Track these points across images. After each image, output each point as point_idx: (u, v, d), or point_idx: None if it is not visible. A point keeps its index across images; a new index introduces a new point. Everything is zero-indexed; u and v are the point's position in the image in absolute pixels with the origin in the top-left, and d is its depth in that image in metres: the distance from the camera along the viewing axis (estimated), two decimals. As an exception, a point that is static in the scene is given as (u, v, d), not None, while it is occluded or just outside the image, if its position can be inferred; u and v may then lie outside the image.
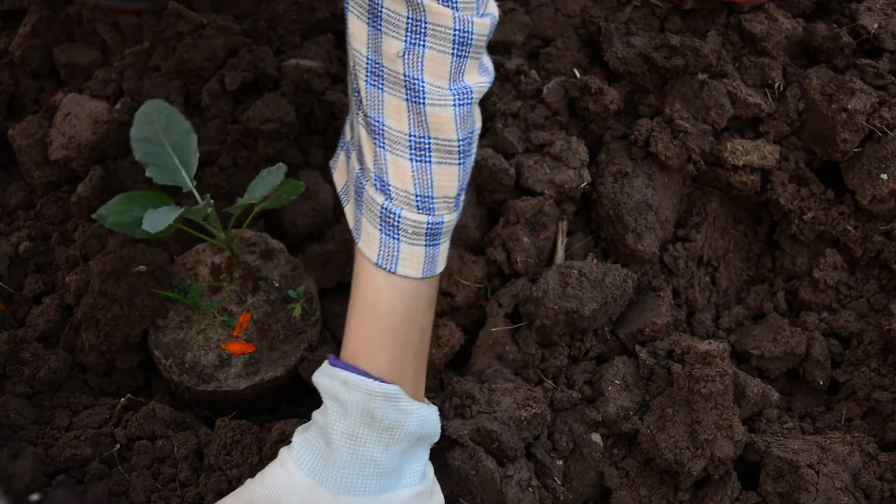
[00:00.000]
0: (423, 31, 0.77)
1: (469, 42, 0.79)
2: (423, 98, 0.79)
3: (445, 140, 0.81)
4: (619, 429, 1.02)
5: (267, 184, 0.98)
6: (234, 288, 1.10)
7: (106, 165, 1.20)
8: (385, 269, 0.83)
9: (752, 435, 1.02)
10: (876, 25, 1.31)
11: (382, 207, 0.82)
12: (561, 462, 1.01)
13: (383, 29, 0.78)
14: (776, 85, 1.27)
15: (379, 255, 0.83)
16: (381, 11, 0.78)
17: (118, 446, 0.97)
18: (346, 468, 0.80)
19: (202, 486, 0.94)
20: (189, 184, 1.04)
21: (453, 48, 0.78)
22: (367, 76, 0.81)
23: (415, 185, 0.81)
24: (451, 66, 0.79)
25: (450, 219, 0.85)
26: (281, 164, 0.99)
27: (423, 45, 0.78)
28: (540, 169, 1.19)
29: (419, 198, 0.82)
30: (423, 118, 0.80)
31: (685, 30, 1.32)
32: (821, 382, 1.14)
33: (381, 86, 0.80)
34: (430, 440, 0.86)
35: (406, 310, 0.85)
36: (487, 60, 0.86)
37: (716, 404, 0.97)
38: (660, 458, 0.98)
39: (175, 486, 0.95)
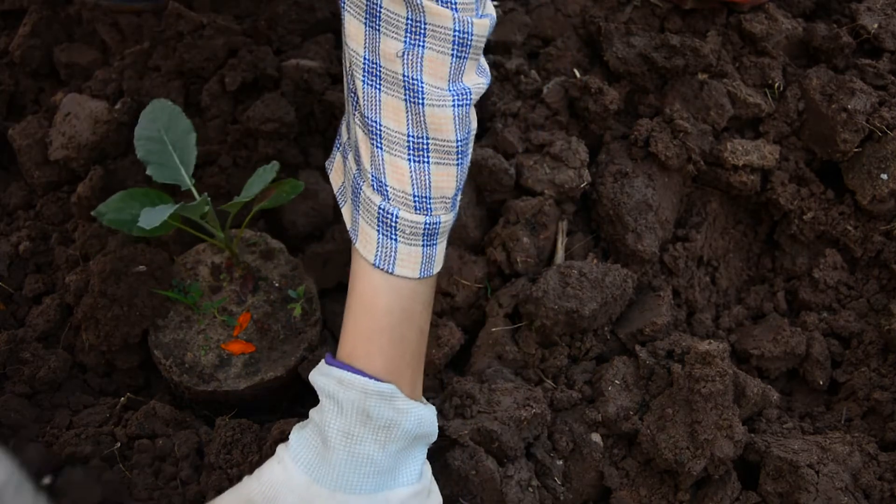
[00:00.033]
0: (422, 31, 0.77)
1: (469, 43, 0.79)
2: (423, 99, 0.79)
3: (444, 140, 0.81)
4: (619, 429, 1.02)
5: (261, 181, 0.98)
6: (234, 288, 1.10)
7: (106, 165, 1.20)
8: (382, 269, 0.83)
9: (752, 435, 1.02)
10: (876, 25, 1.31)
11: (380, 208, 0.82)
12: (561, 462, 1.01)
13: (382, 29, 0.78)
14: (776, 85, 1.27)
15: (376, 255, 0.83)
16: (379, 12, 0.78)
17: (119, 444, 0.97)
18: (342, 466, 0.80)
19: (203, 484, 0.94)
20: (188, 181, 1.04)
21: (453, 49, 0.78)
22: (364, 76, 0.80)
23: (412, 185, 0.81)
24: (451, 67, 0.79)
25: (447, 219, 0.85)
26: (275, 161, 0.99)
27: (423, 46, 0.78)
28: (540, 169, 1.19)
29: (417, 198, 0.82)
30: (422, 119, 0.80)
31: (685, 30, 1.32)
32: (821, 382, 1.14)
33: (378, 86, 0.80)
34: (428, 440, 0.86)
35: (403, 310, 0.85)
36: (484, 62, 0.86)
37: (716, 404, 0.97)
38: (660, 458, 0.98)
39: (177, 485, 0.95)
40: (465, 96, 0.80)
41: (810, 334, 1.16)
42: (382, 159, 0.81)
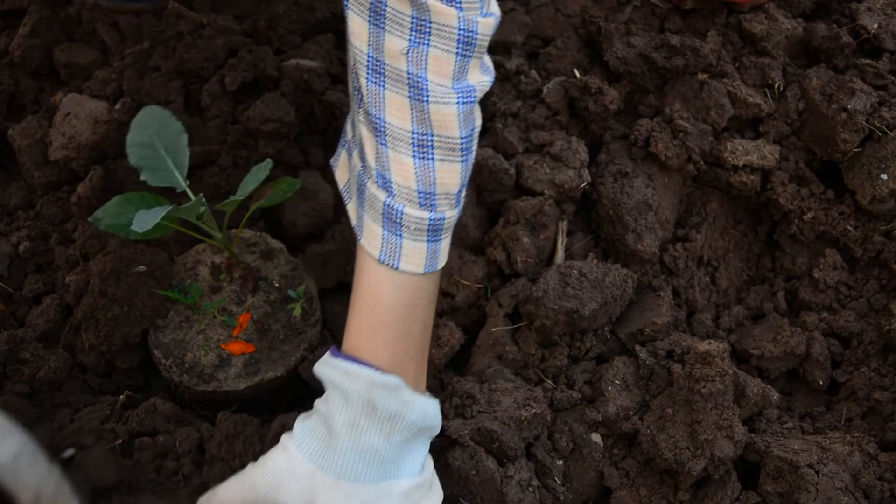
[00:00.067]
0: (427, 30, 0.78)
1: (473, 42, 0.80)
2: (427, 96, 0.79)
3: (449, 137, 0.81)
4: (619, 429, 1.02)
5: (255, 179, 0.98)
6: (234, 288, 1.10)
7: (106, 165, 1.20)
8: (387, 265, 0.84)
9: (752, 435, 1.02)
10: (876, 25, 1.31)
11: (385, 204, 0.83)
12: (561, 462, 1.01)
13: (386, 27, 0.78)
14: (776, 85, 1.27)
15: (381, 251, 0.84)
16: (384, 10, 0.78)
17: (120, 441, 0.97)
18: (347, 455, 0.80)
19: (205, 476, 0.94)
20: (182, 184, 1.04)
21: (458, 48, 0.79)
22: (368, 73, 0.81)
23: (417, 181, 0.82)
24: (455, 66, 0.80)
25: (451, 215, 0.86)
26: (268, 159, 0.99)
27: (428, 45, 0.78)
28: (540, 169, 1.19)
29: (421, 194, 0.82)
30: (427, 116, 0.80)
31: (685, 30, 1.32)
32: (821, 382, 1.14)
33: (382, 83, 0.80)
34: (431, 432, 0.86)
35: (408, 305, 0.85)
36: (488, 60, 0.87)
37: (716, 404, 0.97)
38: (660, 458, 0.98)
39: (178, 480, 0.95)
40: (469, 94, 0.81)
41: (810, 334, 1.16)
42: (387, 156, 0.82)
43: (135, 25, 1.35)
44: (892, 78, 1.25)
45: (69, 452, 0.91)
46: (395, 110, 0.80)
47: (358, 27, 0.80)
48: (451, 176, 0.83)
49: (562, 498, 0.99)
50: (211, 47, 1.28)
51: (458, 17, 0.78)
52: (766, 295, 1.25)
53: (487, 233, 1.20)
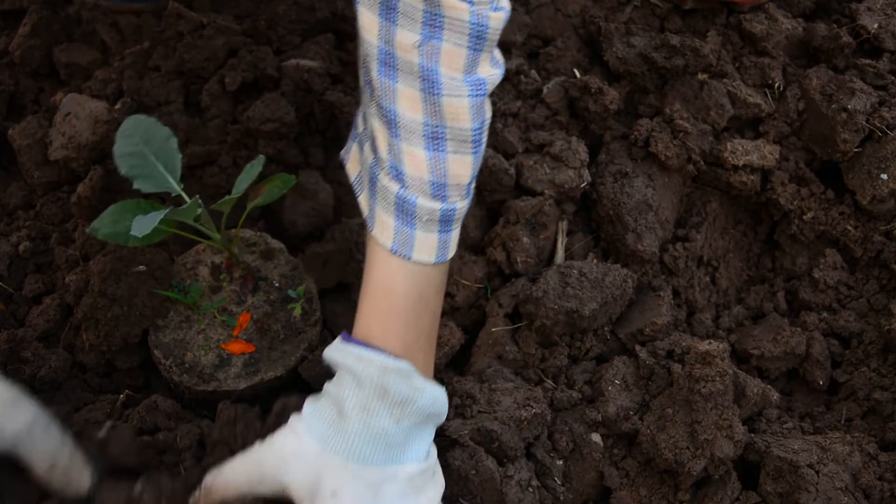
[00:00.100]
0: (439, 25, 0.79)
1: (485, 36, 0.81)
2: (440, 89, 0.80)
3: (461, 129, 0.82)
4: (619, 429, 1.02)
5: (249, 177, 0.98)
6: (234, 288, 1.10)
7: (106, 165, 1.20)
8: (400, 255, 0.85)
9: (752, 435, 1.02)
10: (876, 25, 1.31)
11: (397, 196, 0.84)
12: (561, 462, 1.01)
13: (398, 21, 0.79)
14: (776, 85, 1.27)
15: (394, 242, 0.85)
16: (396, 4, 0.79)
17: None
18: (356, 437, 0.81)
19: (206, 461, 0.94)
20: (176, 188, 1.04)
21: (469, 42, 0.80)
22: (379, 66, 0.82)
23: (430, 173, 0.83)
24: (467, 60, 0.81)
25: (462, 206, 0.87)
26: (261, 155, 0.99)
27: (440, 39, 0.79)
28: (540, 169, 1.19)
29: (434, 186, 0.83)
30: (439, 108, 0.81)
31: (685, 30, 1.32)
32: (821, 382, 1.14)
33: (394, 76, 0.81)
34: (438, 419, 0.87)
35: (419, 294, 0.87)
36: (498, 53, 0.88)
37: (716, 404, 0.97)
38: (660, 458, 0.98)
39: (179, 472, 0.95)
40: (480, 87, 0.82)
41: (810, 334, 1.16)
42: (400, 148, 0.83)
43: (135, 25, 1.35)
44: (892, 78, 1.25)
45: (103, 432, 0.92)
46: (408, 103, 0.81)
47: (368, 21, 0.81)
48: (463, 167, 0.84)
49: (562, 498, 0.99)
50: (211, 47, 1.28)
51: (470, 12, 0.79)
52: (766, 295, 1.25)
53: (487, 233, 1.20)
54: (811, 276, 1.22)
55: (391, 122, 0.82)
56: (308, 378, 1.05)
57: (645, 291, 1.17)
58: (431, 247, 0.86)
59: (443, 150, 0.82)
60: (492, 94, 1.26)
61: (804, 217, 1.23)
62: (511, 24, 1.36)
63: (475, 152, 0.84)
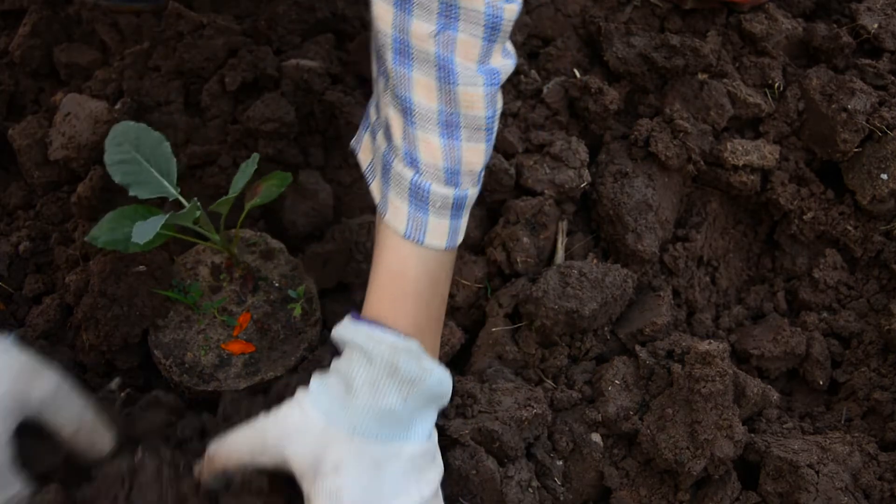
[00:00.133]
0: (455, 16, 0.80)
1: (499, 27, 0.82)
2: (455, 78, 0.81)
3: (475, 117, 0.84)
4: (619, 429, 1.02)
5: (244, 176, 0.98)
6: (234, 288, 1.10)
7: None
8: (413, 240, 0.87)
9: (752, 435, 1.02)
10: (876, 25, 1.31)
11: (412, 182, 0.85)
12: (561, 462, 1.01)
13: (414, 12, 0.80)
14: (776, 85, 1.27)
15: (407, 227, 0.87)
16: None
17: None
18: (363, 412, 0.81)
19: (211, 435, 0.94)
20: (173, 192, 1.03)
21: (484, 33, 0.81)
22: (394, 55, 0.83)
23: (444, 159, 0.84)
24: (481, 50, 0.82)
25: (473, 192, 0.89)
26: (255, 153, 0.99)
27: (456, 30, 0.80)
28: (540, 169, 1.19)
29: (448, 172, 0.85)
30: (455, 97, 0.83)
31: (685, 30, 1.32)
32: (821, 382, 1.14)
33: (409, 64, 0.82)
34: (441, 401, 0.88)
35: (430, 277, 0.88)
36: (509, 44, 0.89)
37: (716, 404, 0.97)
38: (660, 458, 0.98)
39: None
40: (494, 76, 0.84)
41: (810, 334, 1.16)
42: (415, 135, 0.84)
43: (135, 25, 1.35)
44: (892, 78, 1.25)
45: (116, 382, 0.96)
46: (423, 91, 0.82)
47: (383, 11, 0.82)
48: (476, 155, 0.86)
49: (562, 498, 0.99)
50: (211, 47, 1.28)
51: (485, 3, 0.80)
52: (766, 295, 1.25)
53: (487, 233, 1.20)
54: (811, 276, 1.22)
55: (406, 110, 0.84)
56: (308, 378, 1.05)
57: (645, 291, 1.17)
58: (443, 232, 0.87)
59: (457, 138, 0.84)
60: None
61: (804, 217, 1.23)
62: (511, 24, 1.36)
63: (488, 140, 0.86)
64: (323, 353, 1.08)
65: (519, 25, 1.36)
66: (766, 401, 1.06)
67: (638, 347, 1.08)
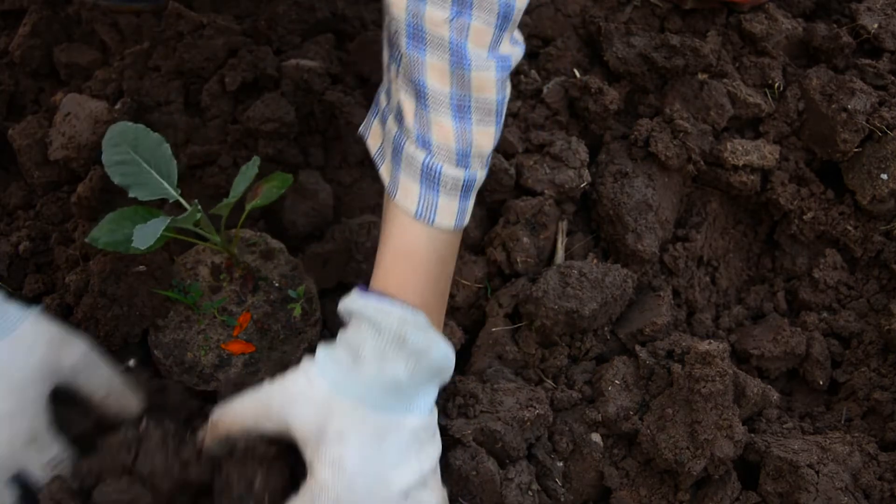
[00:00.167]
0: (469, 3, 0.82)
1: (511, 16, 0.84)
2: (469, 63, 0.84)
3: (486, 100, 0.86)
4: (619, 429, 1.02)
5: (246, 179, 0.98)
6: (234, 288, 1.10)
7: (106, 165, 1.20)
8: (423, 220, 0.89)
9: (752, 435, 1.02)
10: (876, 25, 1.31)
11: (424, 163, 0.87)
12: (561, 463, 1.01)
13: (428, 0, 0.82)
14: (776, 85, 1.27)
15: (418, 207, 0.88)
16: None
17: None
18: (369, 382, 0.83)
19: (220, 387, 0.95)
20: (173, 194, 1.03)
21: (497, 21, 0.83)
22: (408, 40, 0.84)
23: (456, 141, 0.86)
24: (492, 38, 0.84)
25: (481, 175, 0.91)
26: (256, 156, 0.99)
27: (470, 17, 0.82)
28: (540, 169, 1.19)
29: (459, 154, 0.87)
30: (467, 81, 0.85)
31: (685, 30, 1.32)
32: (821, 382, 1.14)
33: (423, 49, 0.84)
34: (444, 377, 0.89)
35: (439, 256, 0.90)
36: (517, 33, 0.91)
37: (716, 404, 0.97)
38: (660, 458, 0.98)
39: None
40: (505, 62, 0.86)
41: (810, 334, 1.16)
42: (428, 118, 0.86)
43: (135, 25, 1.35)
44: (892, 78, 1.25)
45: (132, 361, 1.00)
46: (436, 74, 0.84)
47: None
48: (486, 138, 0.88)
49: (562, 499, 0.99)
50: (211, 47, 1.28)
51: None
52: (766, 295, 1.25)
53: (487, 233, 1.20)
54: (811, 276, 1.22)
55: (420, 94, 0.85)
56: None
57: (645, 291, 1.17)
58: (452, 212, 0.89)
59: (468, 121, 0.86)
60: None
61: (804, 217, 1.23)
62: (511, 24, 1.36)
63: (498, 124, 0.89)
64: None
65: (519, 25, 1.36)
66: (766, 401, 1.06)
67: (638, 347, 1.08)
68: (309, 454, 0.82)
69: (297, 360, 0.89)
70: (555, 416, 1.04)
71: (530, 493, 0.95)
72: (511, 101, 1.27)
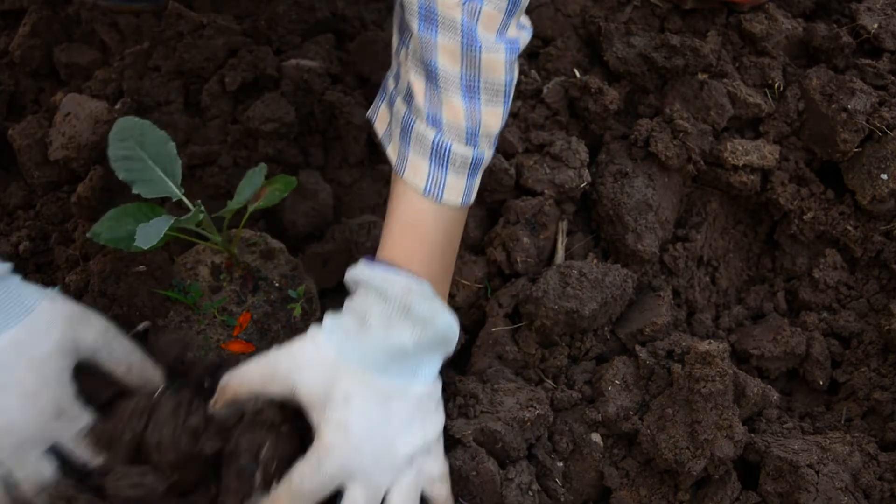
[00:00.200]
0: None
1: (520, 2, 0.88)
2: (479, 45, 0.87)
3: (495, 82, 0.89)
4: (619, 429, 1.02)
5: (252, 185, 0.98)
6: (234, 288, 1.10)
7: (106, 165, 1.20)
8: (432, 196, 0.91)
9: (752, 435, 1.02)
10: (876, 25, 1.31)
11: (434, 141, 0.90)
12: (561, 463, 1.01)
13: None
14: (776, 85, 1.27)
15: (427, 184, 0.91)
16: None
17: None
18: (376, 347, 0.85)
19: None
20: (177, 193, 1.03)
21: (507, 6, 0.87)
22: (420, 22, 0.87)
23: (466, 120, 0.89)
24: (501, 22, 0.87)
25: (489, 155, 0.94)
26: (262, 163, 0.99)
27: (482, 1, 0.85)
28: (540, 169, 1.19)
29: (468, 133, 0.90)
30: (477, 62, 0.87)
31: (685, 30, 1.32)
32: (821, 382, 1.14)
33: (434, 30, 0.86)
34: (448, 348, 0.90)
35: (445, 232, 0.93)
36: (524, 18, 0.94)
37: (716, 404, 0.97)
38: (660, 458, 0.98)
39: None
40: (514, 45, 0.90)
41: (810, 334, 1.16)
42: (439, 98, 0.89)
43: (135, 25, 1.35)
44: (892, 78, 1.25)
45: (144, 325, 1.01)
46: (447, 55, 0.87)
47: None
48: (494, 118, 0.91)
49: (562, 500, 0.99)
50: (211, 47, 1.28)
51: None
52: (766, 295, 1.25)
53: (487, 233, 1.20)
54: (811, 276, 1.22)
55: (431, 74, 0.88)
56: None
57: (645, 291, 1.17)
58: (459, 190, 0.92)
59: (477, 101, 0.89)
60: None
61: (804, 217, 1.23)
62: (511, 24, 1.36)
63: (505, 104, 0.91)
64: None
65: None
66: (766, 401, 1.06)
67: (638, 347, 1.08)
68: (315, 417, 0.84)
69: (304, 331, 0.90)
70: (555, 416, 1.04)
71: (530, 493, 0.95)
72: (511, 101, 1.27)
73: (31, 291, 0.86)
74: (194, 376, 0.95)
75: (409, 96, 0.92)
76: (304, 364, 0.85)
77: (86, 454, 0.83)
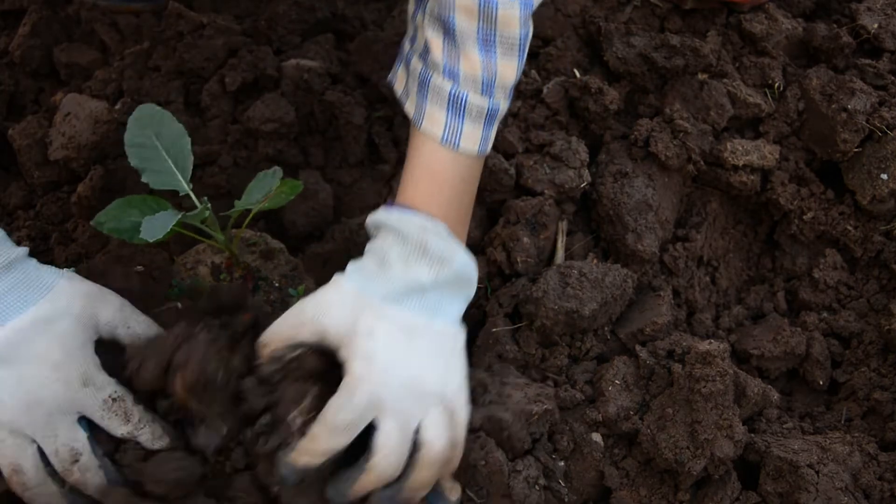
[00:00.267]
0: None
1: None
2: (495, 2, 0.91)
3: (510, 35, 0.93)
4: (620, 429, 1.02)
5: (264, 187, 0.98)
6: (234, 288, 1.10)
7: (106, 165, 1.20)
8: (449, 145, 0.95)
9: (752, 435, 1.02)
10: (876, 25, 1.31)
11: (451, 92, 0.94)
12: (562, 463, 1.01)
13: None
14: (776, 85, 1.27)
15: (444, 133, 0.95)
16: None
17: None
18: (396, 281, 0.87)
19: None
20: (185, 187, 1.03)
21: None
22: None
23: (482, 71, 0.93)
24: None
25: (504, 106, 0.97)
26: (277, 167, 0.99)
27: None
28: (540, 169, 1.19)
29: (484, 84, 0.94)
30: (493, 17, 0.92)
31: (685, 30, 1.32)
32: (821, 382, 1.14)
33: None
34: (468, 289, 0.92)
35: (463, 179, 0.97)
36: None
37: (716, 404, 0.97)
38: (660, 457, 0.98)
39: None
40: (528, 1, 0.94)
41: (810, 334, 1.16)
42: (457, 52, 0.93)
43: (135, 25, 1.35)
44: (892, 78, 1.25)
45: (140, 267, 1.03)
46: (464, 12, 0.91)
47: None
48: (509, 70, 0.94)
49: (565, 499, 0.99)
50: (211, 47, 1.28)
51: None
52: (766, 295, 1.25)
53: (487, 233, 1.20)
54: (811, 276, 1.22)
55: (448, 30, 0.93)
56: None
57: (645, 291, 1.17)
58: (476, 139, 0.95)
59: (493, 53, 0.93)
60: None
61: (804, 217, 1.23)
62: (511, 24, 1.36)
63: (520, 58, 0.95)
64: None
65: None
66: (766, 401, 1.06)
67: (638, 347, 1.08)
68: (343, 353, 0.86)
69: None
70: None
71: (537, 487, 0.96)
72: (511, 101, 1.27)
73: (50, 272, 0.88)
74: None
75: (425, 53, 0.96)
76: (329, 306, 0.88)
77: (114, 423, 0.84)
